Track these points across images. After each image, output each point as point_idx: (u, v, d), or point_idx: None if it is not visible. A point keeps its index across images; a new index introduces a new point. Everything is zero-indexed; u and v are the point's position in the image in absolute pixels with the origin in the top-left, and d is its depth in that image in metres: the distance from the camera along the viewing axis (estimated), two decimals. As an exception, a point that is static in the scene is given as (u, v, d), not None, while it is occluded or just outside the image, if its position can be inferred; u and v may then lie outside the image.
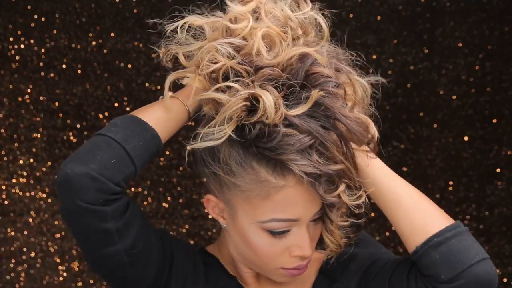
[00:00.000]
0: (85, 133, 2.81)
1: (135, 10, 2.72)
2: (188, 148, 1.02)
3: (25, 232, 2.89)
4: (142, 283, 1.08)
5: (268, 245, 1.04)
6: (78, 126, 2.82)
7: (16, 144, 2.85)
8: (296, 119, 0.98)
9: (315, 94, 0.97)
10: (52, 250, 2.89)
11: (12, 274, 2.90)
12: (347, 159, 1.01)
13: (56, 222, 2.88)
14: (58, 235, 2.89)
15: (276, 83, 0.99)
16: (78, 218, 0.99)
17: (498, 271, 2.74)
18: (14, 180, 2.86)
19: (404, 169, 2.76)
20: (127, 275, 1.05)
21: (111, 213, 0.99)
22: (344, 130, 1.00)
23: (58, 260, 2.90)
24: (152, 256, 1.07)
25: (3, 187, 2.87)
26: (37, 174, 2.86)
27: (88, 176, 0.96)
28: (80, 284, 2.89)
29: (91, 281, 2.89)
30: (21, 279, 2.90)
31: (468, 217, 2.74)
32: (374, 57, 2.72)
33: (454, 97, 2.71)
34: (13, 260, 2.90)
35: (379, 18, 2.70)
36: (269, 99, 0.96)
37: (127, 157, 1.00)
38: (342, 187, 1.01)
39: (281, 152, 0.97)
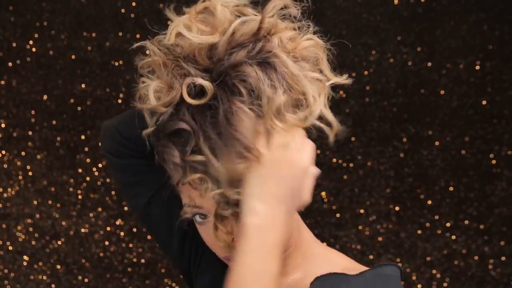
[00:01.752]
0: (85, 133, 2.81)
1: (135, 10, 2.72)
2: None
3: (21, 233, 2.88)
4: (171, 251, 1.20)
5: (200, 231, 1.05)
6: (77, 126, 2.81)
7: (14, 144, 2.84)
8: (183, 109, 0.94)
9: (209, 86, 0.92)
10: (48, 252, 2.88)
11: (8, 276, 2.89)
12: (209, 153, 0.92)
13: (53, 224, 2.87)
14: (55, 237, 2.88)
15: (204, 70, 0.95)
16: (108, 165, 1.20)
17: (498, 271, 2.75)
18: (11, 181, 2.85)
19: (405, 169, 2.76)
20: (157, 236, 1.19)
21: (121, 166, 1.15)
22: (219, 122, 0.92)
23: (55, 263, 2.89)
24: (173, 234, 1.17)
25: (0, 188, 2.86)
26: (35, 174, 2.85)
27: (108, 127, 1.15)
28: (78, 286, 2.89)
29: (93, 284, 2.88)
30: (17, 281, 2.89)
31: (468, 217, 2.74)
32: (374, 57, 2.72)
33: (454, 97, 2.71)
34: (9, 263, 2.89)
35: (379, 18, 2.70)
36: (148, 87, 0.96)
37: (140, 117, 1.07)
38: (191, 176, 0.94)
39: (156, 137, 0.97)
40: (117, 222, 2.85)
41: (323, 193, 2.81)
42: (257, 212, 0.90)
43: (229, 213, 0.96)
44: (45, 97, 2.82)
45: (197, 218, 1.02)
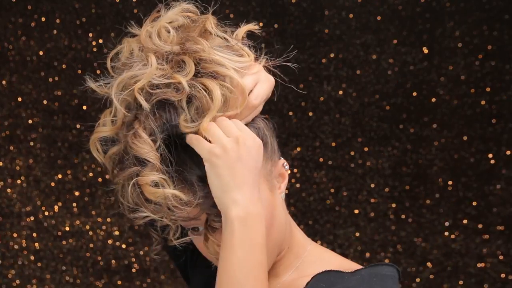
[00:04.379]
0: (85, 133, 2.81)
1: (135, 10, 2.72)
2: None
3: (24, 232, 2.89)
4: (170, 249, 1.21)
5: (195, 242, 1.06)
6: (78, 126, 2.82)
7: (15, 144, 2.85)
8: None
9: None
10: (50, 250, 2.89)
11: (10, 275, 2.90)
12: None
13: (54, 223, 2.88)
14: (56, 236, 2.89)
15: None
16: None
17: (496, 270, 2.75)
18: (13, 180, 2.86)
19: (404, 169, 2.77)
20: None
21: None
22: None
23: (57, 261, 2.90)
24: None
25: (2, 187, 2.87)
26: (37, 174, 2.85)
27: None
28: (79, 284, 2.90)
29: (94, 282, 2.89)
30: (19, 279, 2.91)
31: (467, 216, 2.75)
32: (374, 57, 2.72)
33: (453, 97, 2.71)
34: (11, 261, 2.90)
35: (379, 18, 2.70)
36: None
37: None
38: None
39: None
40: (119, 220, 2.86)
41: (321, 195, 2.82)
42: (238, 202, 0.91)
43: (219, 225, 0.98)
44: (46, 97, 2.82)
45: (193, 229, 1.02)
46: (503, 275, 2.78)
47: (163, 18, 1.00)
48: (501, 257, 2.76)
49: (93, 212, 2.86)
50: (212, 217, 0.97)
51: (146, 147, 0.91)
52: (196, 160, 0.94)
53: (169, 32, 0.98)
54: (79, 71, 2.78)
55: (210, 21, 0.99)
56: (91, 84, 1.00)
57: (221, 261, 0.92)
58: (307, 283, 1.01)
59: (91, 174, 2.85)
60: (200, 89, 0.92)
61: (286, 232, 1.06)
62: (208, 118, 0.93)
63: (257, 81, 0.99)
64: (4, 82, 2.82)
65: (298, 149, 2.79)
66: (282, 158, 1.07)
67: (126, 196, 0.95)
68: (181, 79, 0.92)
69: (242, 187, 0.92)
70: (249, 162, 0.93)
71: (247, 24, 1.03)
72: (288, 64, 1.01)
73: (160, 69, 0.94)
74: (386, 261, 2.75)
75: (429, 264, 2.79)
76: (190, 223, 0.99)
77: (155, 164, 0.91)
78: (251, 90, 0.97)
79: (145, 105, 0.92)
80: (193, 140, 0.93)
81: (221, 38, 0.99)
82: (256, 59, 1.01)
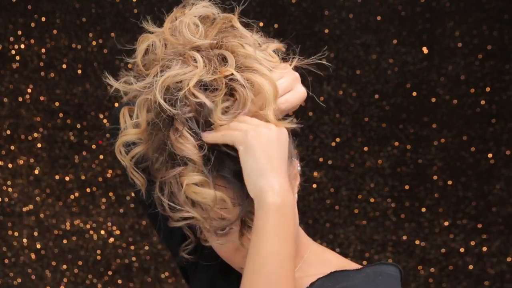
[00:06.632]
0: (85, 133, 2.82)
1: (135, 10, 2.73)
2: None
3: (25, 232, 2.90)
4: (171, 245, 1.17)
5: (217, 247, 1.04)
6: (78, 126, 2.83)
7: (16, 144, 2.86)
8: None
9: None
10: (51, 249, 2.90)
11: (11, 274, 2.91)
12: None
13: (55, 222, 2.89)
14: (57, 235, 2.90)
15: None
16: None
17: (496, 269, 2.76)
18: (14, 180, 2.87)
19: (404, 168, 2.77)
20: (159, 230, 1.12)
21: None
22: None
23: (58, 260, 2.91)
24: (174, 229, 1.09)
25: (3, 187, 2.88)
26: (37, 173, 2.86)
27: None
28: (79, 283, 2.91)
29: (94, 281, 2.90)
30: (20, 278, 2.91)
31: (466, 216, 2.76)
32: (374, 57, 2.72)
33: (453, 97, 2.71)
34: (12, 260, 2.91)
35: (379, 18, 2.70)
36: None
37: None
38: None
39: None
40: (120, 219, 2.87)
41: (321, 194, 2.82)
42: (275, 188, 0.88)
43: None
44: (46, 96, 2.83)
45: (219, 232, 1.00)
46: (502, 275, 2.78)
47: (189, 13, 0.97)
48: (500, 257, 2.77)
49: (94, 211, 2.87)
50: (248, 214, 0.94)
51: (193, 148, 0.90)
52: (232, 156, 0.92)
53: (198, 26, 0.95)
54: (79, 71, 2.78)
55: (236, 20, 0.97)
56: (118, 85, 0.97)
57: (253, 249, 0.88)
58: (311, 284, 1.01)
59: (91, 174, 2.86)
60: (245, 84, 0.90)
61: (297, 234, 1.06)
62: (272, 110, 0.91)
63: (290, 88, 0.97)
64: (5, 83, 2.83)
65: (298, 149, 2.79)
66: (296, 160, 1.07)
67: (168, 195, 0.93)
68: (231, 70, 0.90)
69: (279, 172, 0.89)
70: (281, 148, 0.91)
71: (275, 43, 1.01)
72: (322, 62, 1.00)
73: (205, 66, 0.91)
74: (389, 260, 2.75)
75: (428, 264, 2.79)
76: (223, 223, 0.96)
77: (199, 164, 0.90)
78: (282, 94, 0.96)
79: (210, 104, 0.89)
80: (222, 129, 0.91)
81: (249, 37, 0.97)
82: (285, 60, 0.99)
